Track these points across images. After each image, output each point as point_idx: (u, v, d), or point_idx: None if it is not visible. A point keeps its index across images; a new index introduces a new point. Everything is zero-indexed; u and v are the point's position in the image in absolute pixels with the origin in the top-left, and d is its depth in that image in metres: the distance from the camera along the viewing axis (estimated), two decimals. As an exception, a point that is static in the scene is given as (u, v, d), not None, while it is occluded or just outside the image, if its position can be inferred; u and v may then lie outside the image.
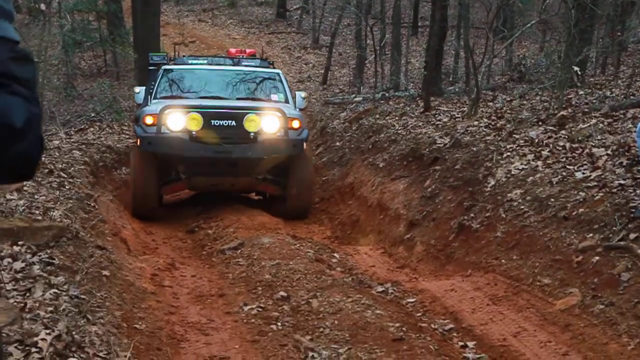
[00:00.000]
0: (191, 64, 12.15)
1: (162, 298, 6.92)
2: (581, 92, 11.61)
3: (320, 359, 5.47)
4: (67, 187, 9.34)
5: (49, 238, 6.86)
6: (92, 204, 9.43)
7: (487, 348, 5.66)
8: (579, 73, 12.60)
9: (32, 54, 2.25)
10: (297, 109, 11.75)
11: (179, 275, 7.79)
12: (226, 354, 5.64)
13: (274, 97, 11.58)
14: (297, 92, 12.20)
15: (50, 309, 5.26)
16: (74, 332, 5.01)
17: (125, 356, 5.21)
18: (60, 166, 10.32)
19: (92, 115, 15.16)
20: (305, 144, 10.92)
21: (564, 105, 10.55)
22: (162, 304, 6.74)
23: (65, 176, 9.94)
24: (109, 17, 20.45)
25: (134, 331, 5.86)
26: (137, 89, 11.73)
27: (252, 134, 9.88)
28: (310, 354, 5.56)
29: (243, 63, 12.55)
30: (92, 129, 14.11)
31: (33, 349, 4.62)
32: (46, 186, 9.10)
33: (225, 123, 9.88)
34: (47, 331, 4.84)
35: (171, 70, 11.74)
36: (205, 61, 12.41)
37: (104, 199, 10.21)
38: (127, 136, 14.01)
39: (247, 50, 14.09)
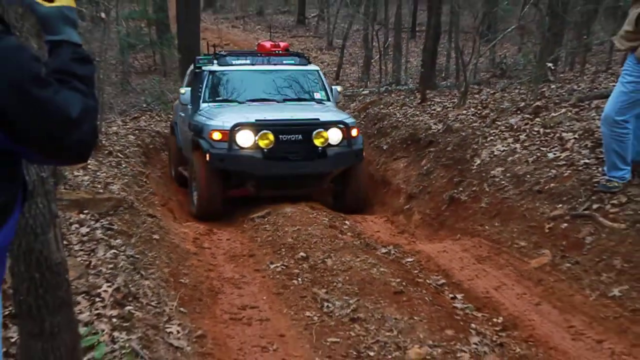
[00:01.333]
0: (234, 64, 10.55)
1: (202, 258, 6.97)
2: (553, 86, 11.55)
3: (334, 308, 5.50)
4: (123, 166, 9.39)
5: (109, 208, 6.91)
6: (144, 180, 9.50)
7: (472, 299, 5.69)
8: (552, 69, 12.55)
9: (93, 55, 2.25)
10: (335, 103, 10.68)
11: (216, 239, 7.82)
12: (256, 304, 5.68)
13: (317, 95, 10.40)
14: (333, 87, 10.86)
15: (110, 266, 5.32)
16: (130, 285, 5.07)
17: (173, 305, 5.26)
18: (117, 148, 10.35)
19: (144, 105, 15.17)
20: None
21: (538, 97, 10.51)
22: (203, 263, 6.80)
23: (122, 156, 9.98)
24: (157, 24, 20.40)
25: (179, 285, 5.91)
26: (182, 90, 10.14)
27: (320, 148, 8.75)
28: (325, 304, 5.59)
29: (284, 62, 10.96)
30: (143, 117, 14.15)
31: (97, 299, 4.68)
32: (106, 165, 9.14)
33: (293, 137, 8.71)
34: (108, 284, 4.91)
35: (216, 72, 10.36)
36: (247, 60, 10.78)
37: (154, 175, 10.27)
38: (162, 119, 13.97)
39: (281, 44, 12.16)
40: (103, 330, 4.19)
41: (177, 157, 10.81)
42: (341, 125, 8.92)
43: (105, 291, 4.79)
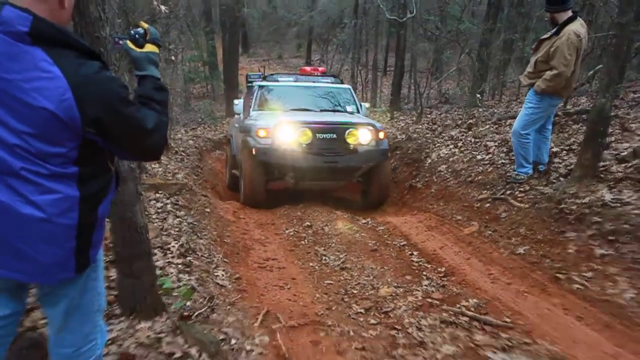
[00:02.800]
0: (279, 80, 9.55)
1: (239, 225, 6.99)
2: (480, 110, 11.55)
3: (329, 261, 5.53)
4: (185, 161, 9.44)
5: (175, 190, 6.94)
6: (199, 171, 9.53)
7: (424, 255, 5.71)
8: (480, 98, 12.56)
9: (166, 85, 2.27)
10: (363, 115, 9.41)
11: (248, 212, 7.83)
12: (275, 257, 5.70)
13: (349, 108, 9.18)
14: (362, 103, 9.65)
15: (176, 229, 5.37)
16: (190, 243, 5.11)
17: (219, 257, 5.30)
18: (181, 149, 10.37)
19: (199, 120, 15.22)
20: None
21: (470, 117, 10.53)
22: (239, 228, 6.81)
23: (184, 155, 10.01)
24: (209, 64, 20.39)
25: (223, 243, 5.94)
26: (236, 101, 9.23)
27: (351, 145, 7.64)
28: (323, 257, 5.62)
29: (321, 80, 9.84)
30: (199, 128, 14.18)
31: (167, 252, 4.72)
32: (174, 160, 9.18)
33: (329, 136, 7.60)
34: (175, 242, 4.95)
35: (265, 86, 9.24)
36: (291, 78, 9.72)
37: (206, 168, 10.28)
38: (219, 132, 13.94)
39: (319, 69, 11.09)
40: (172, 273, 4.24)
41: (231, 162, 9.67)
42: (370, 127, 7.85)
43: (173, 246, 4.83)
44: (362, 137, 7.71)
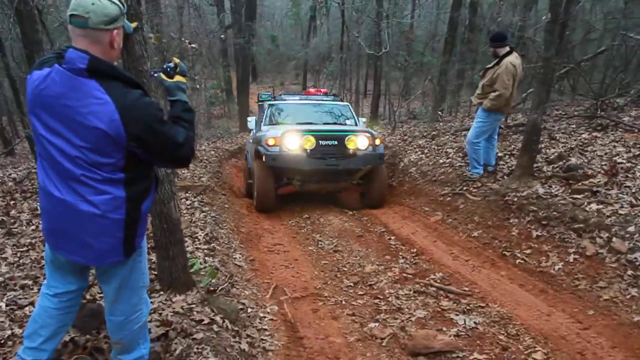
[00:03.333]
0: (286, 99, 8.85)
1: (252, 217, 6.92)
2: (441, 124, 11.55)
3: (324, 245, 5.52)
4: (208, 167, 9.35)
5: (201, 190, 6.89)
6: (220, 175, 9.46)
7: (400, 239, 5.68)
8: (440, 115, 12.58)
9: (193, 107, 2.27)
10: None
11: (259, 207, 7.78)
12: (281, 243, 5.68)
13: (348, 122, 8.38)
14: (359, 118, 8.92)
15: (202, 222, 5.34)
16: (213, 232, 5.08)
17: (236, 243, 5.28)
18: (205, 157, 10.30)
19: (219, 135, 15.14)
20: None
21: (434, 130, 10.51)
22: (252, 220, 6.76)
23: (207, 162, 9.93)
24: (225, 90, 20.35)
25: (239, 232, 5.91)
26: (249, 119, 8.56)
27: (351, 150, 6.95)
28: (320, 242, 5.61)
29: (323, 98, 9.13)
30: (219, 142, 14.09)
31: (196, 240, 4.69)
32: (199, 166, 9.10)
33: (330, 142, 6.94)
34: (202, 232, 4.92)
35: (274, 104, 8.53)
36: (297, 97, 9.09)
37: (225, 172, 10.22)
38: (234, 144, 13.81)
39: (322, 90, 10.19)
40: (199, 257, 4.22)
41: (247, 174, 8.75)
42: (368, 134, 7.15)
43: (200, 235, 4.81)
44: (360, 142, 7.07)
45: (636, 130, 6.81)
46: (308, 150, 6.85)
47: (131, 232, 2.07)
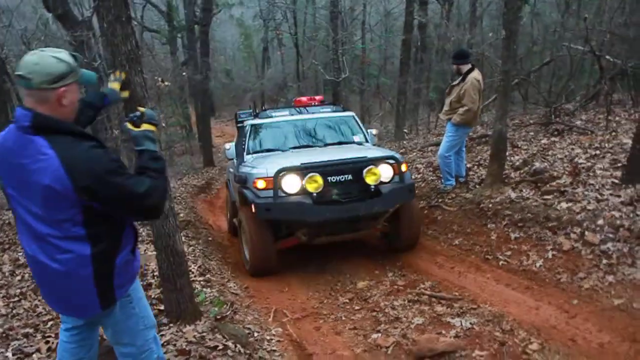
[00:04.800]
0: (273, 116, 6.77)
1: (235, 248, 6.79)
2: (407, 140, 11.95)
3: (313, 267, 5.60)
4: (183, 204, 9.32)
5: (183, 225, 6.77)
6: (196, 210, 9.44)
7: (384, 254, 5.88)
8: (406, 133, 12.98)
9: (162, 155, 2.33)
10: (372, 144, 6.62)
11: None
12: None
13: (356, 138, 6.50)
14: (369, 130, 6.86)
15: (192, 255, 5.39)
16: (205, 264, 5.14)
17: (228, 273, 5.33)
18: (177, 194, 10.17)
19: (184, 172, 15.06)
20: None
21: (401, 147, 10.84)
22: (236, 250, 6.64)
23: (181, 198, 9.82)
24: (185, 127, 20.38)
25: (228, 262, 5.96)
26: (227, 146, 6.62)
27: (372, 186, 5.02)
28: (308, 265, 5.67)
29: (320, 110, 7.01)
30: (184, 178, 14.01)
31: (190, 273, 4.72)
32: (176, 203, 9.09)
33: (343, 178, 5.03)
34: (194, 264, 4.97)
35: (258, 125, 6.51)
36: (286, 112, 6.94)
37: (199, 207, 10.15)
38: (201, 179, 13.69)
39: (317, 98, 7.91)
40: (197, 289, 4.28)
41: (232, 210, 7.01)
42: (391, 161, 5.26)
43: (193, 268, 4.85)
44: (383, 174, 5.18)
45: (589, 133, 7.34)
46: (314, 194, 4.96)
47: (105, 286, 2.07)
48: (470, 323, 3.74)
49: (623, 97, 9.19)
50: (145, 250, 5.16)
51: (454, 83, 6.57)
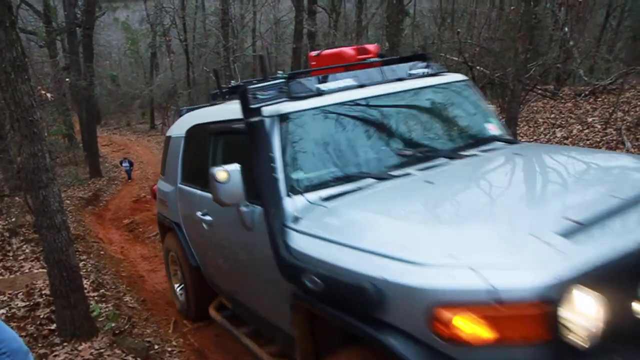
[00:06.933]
0: (320, 91, 2.46)
1: (129, 262, 6.66)
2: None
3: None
4: (70, 217, 8.67)
5: (73, 239, 6.50)
6: (83, 224, 8.93)
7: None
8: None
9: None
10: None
11: (131, 249, 7.44)
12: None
13: (491, 127, 2.78)
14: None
15: (84, 270, 5.12)
16: (98, 279, 4.96)
17: (123, 287, 5.17)
18: (65, 208, 9.61)
19: (68, 183, 14.09)
20: None
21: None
22: (130, 264, 6.52)
23: (67, 211, 9.30)
24: (68, 136, 19.15)
25: (122, 276, 5.72)
26: (221, 174, 2.19)
27: None
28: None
29: (409, 73, 2.86)
30: (69, 190, 13.13)
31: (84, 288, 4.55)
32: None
33: None
34: (86, 280, 4.76)
35: (298, 117, 2.32)
36: (351, 80, 2.61)
37: (87, 221, 9.60)
38: (88, 192, 12.89)
39: (368, 46, 3.37)
40: (91, 304, 4.12)
41: (200, 289, 3.85)
42: None
43: (86, 283, 4.62)
44: None
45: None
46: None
47: None
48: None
49: (492, 104, 10.14)
50: (30, 269, 4.84)
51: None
